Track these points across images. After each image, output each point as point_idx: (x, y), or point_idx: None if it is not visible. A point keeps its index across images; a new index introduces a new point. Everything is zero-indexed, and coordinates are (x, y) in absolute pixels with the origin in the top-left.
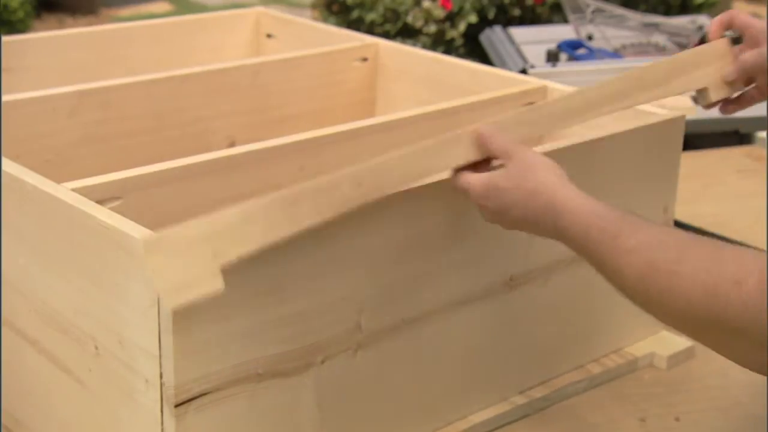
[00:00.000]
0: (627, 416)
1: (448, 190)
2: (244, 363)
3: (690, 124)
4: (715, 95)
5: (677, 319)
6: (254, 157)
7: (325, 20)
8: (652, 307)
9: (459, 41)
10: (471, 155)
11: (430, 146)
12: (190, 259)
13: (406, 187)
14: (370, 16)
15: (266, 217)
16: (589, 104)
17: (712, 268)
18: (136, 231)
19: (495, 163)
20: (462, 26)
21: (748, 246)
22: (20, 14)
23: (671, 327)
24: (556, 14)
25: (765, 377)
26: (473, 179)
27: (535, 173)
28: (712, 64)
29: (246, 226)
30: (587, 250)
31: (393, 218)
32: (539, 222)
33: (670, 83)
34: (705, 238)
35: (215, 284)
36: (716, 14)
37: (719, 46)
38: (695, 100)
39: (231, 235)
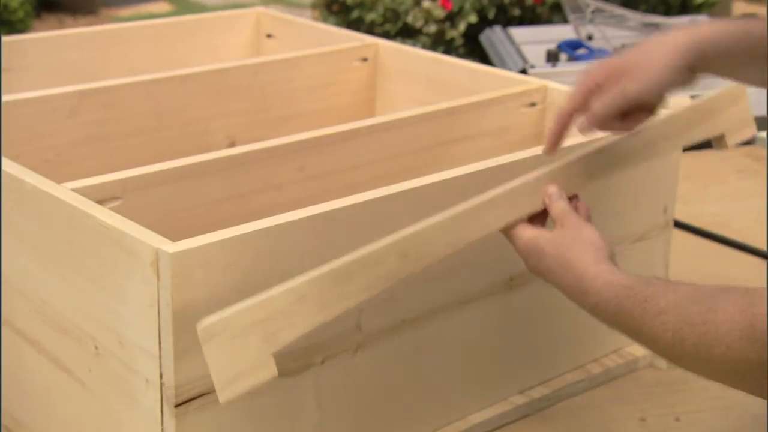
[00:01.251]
0: (627, 416)
1: (448, 190)
2: None
3: None
4: (731, 140)
5: (717, 369)
6: (254, 157)
7: (325, 20)
8: (689, 362)
9: (459, 41)
10: (511, 216)
11: (470, 210)
12: (244, 347)
13: (452, 252)
14: (370, 16)
15: (317, 296)
16: (620, 157)
17: (746, 309)
18: (136, 231)
19: (549, 223)
20: (462, 26)
21: (748, 246)
22: (20, 14)
23: (712, 380)
24: (556, 14)
25: None
26: (522, 233)
27: (574, 247)
28: (727, 109)
29: (297, 307)
30: (620, 323)
31: (394, 218)
32: (568, 295)
33: (691, 132)
34: (734, 286)
35: (269, 372)
36: (716, 14)
37: (734, 90)
38: (712, 143)
39: (283, 318)
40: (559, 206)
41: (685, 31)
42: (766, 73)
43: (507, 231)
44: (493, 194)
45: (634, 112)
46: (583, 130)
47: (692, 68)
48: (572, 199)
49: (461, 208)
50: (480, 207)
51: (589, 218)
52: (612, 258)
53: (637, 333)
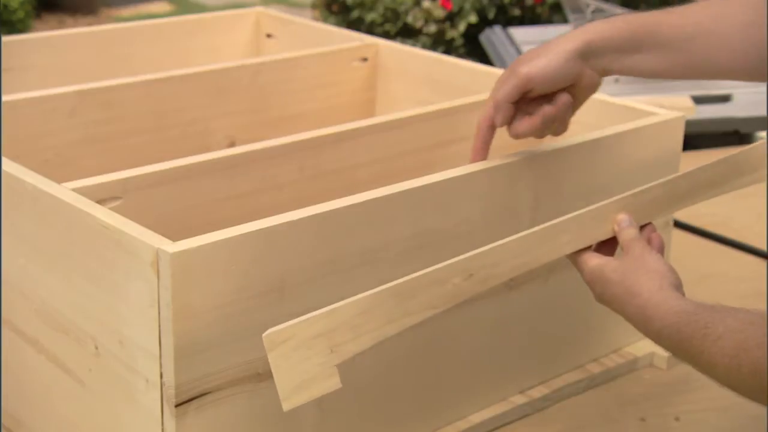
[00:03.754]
0: (627, 416)
1: (448, 190)
2: (244, 363)
3: (690, 124)
4: None
5: None
6: (254, 157)
7: (325, 20)
8: (746, 388)
9: (459, 41)
10: (579, 242)
11: (538, 234)
12: (310, 357)
13: (517, 275)
14: (370, 16)
15: (381, 311)
16: (696, 186)
17: None
18: (136, 231)
19: (618, 251)
20: (462, 26)
21: (749, 246)
22: (20, 14)
23: None
24: (556, 14)
25: None
26: (588, 261)
27: (639, 275)
28: None
29: (361, 320)
30: (682, 349)
31: (394, 218)
32: (632, 323)
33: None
34: None
35: (333, 384)
36: None
37: None
38: None
39: (348, 331)
40: (627, 234)
41: (577, 29)
42: (651, 61)
43: (574, 258)
44: (562, 219)
45: (538, 101)
46: (495, 126)
47: (584, 56)
48: (645, 228)
49: (529, 231)
50: (548, 231)
51: (661, 249)
52: (678, 287)
53: (697, 359)
